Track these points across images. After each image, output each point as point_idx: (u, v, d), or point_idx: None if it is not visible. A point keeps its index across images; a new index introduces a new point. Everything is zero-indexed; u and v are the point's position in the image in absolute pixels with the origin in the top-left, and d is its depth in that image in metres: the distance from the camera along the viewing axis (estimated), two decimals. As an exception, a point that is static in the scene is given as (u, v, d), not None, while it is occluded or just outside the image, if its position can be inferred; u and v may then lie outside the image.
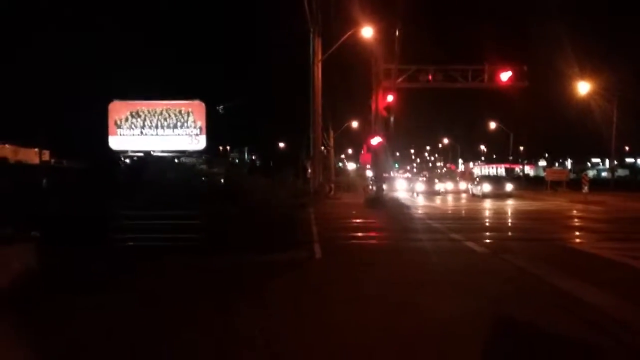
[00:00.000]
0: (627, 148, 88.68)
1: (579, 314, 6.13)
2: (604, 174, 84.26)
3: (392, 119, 26.47)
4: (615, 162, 51.87)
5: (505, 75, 27.52)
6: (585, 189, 29.81)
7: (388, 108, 25.70)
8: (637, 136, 63.04)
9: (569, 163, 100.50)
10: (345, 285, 7.68)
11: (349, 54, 28.92)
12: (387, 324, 5.75)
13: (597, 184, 40.02)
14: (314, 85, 28.09)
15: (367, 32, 26.06)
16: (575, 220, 19.12)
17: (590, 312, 6.14)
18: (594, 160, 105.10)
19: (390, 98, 25.48)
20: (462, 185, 42.88)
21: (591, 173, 60.57)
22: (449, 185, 42.68)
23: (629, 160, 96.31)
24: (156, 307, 6.63)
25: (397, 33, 24.41)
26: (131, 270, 8.79)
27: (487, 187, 34.91)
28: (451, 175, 56.90)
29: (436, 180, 44.92)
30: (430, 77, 27.15)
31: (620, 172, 68.44)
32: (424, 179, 46.32)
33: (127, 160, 29.88)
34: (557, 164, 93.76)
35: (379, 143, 26.12)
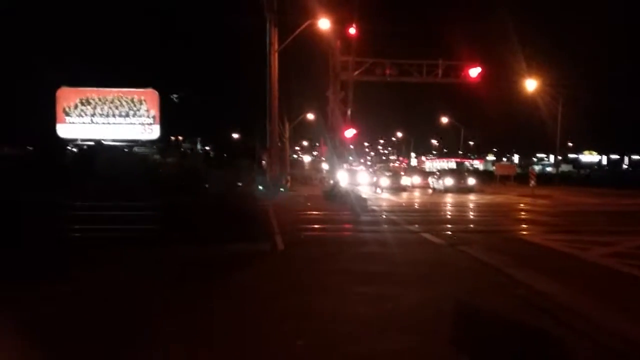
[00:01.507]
0: (570, 144, 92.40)
1: (532, 301, 6.38)
2: (548, 168, 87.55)
3: (349, 111, 26.61)
4: (560, 158, 53.94)
5: (458, 71, 28.13)
6: (533, 183, 30.92)
7: (345, 100, 25.83)
8: (580, 133, 65.90)
9: (516, 158, 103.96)
10: (310, 276, 7.70)
11: (306, 45, 28.82)
12: (356, 313, 5.82)
13: (543, 178, 41.53)
14: (271, 76, 27.85)
15: (324, 23, 26.04)
16: (525, 213, 19.81)
17: (543, 300, 6.41)
18: (540, 155, 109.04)
19: (347, 91, 25.62)
20: (405, 180, 40.20)
21: (537, 168, 62.79)
22: (405, 180, 40.24)
23: (572, 155, 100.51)
24: (109, 299, 6.44)
25: (353, 25, 24.52)
26: (81, 261, 8.51)
27: (449, 181, 34.28)
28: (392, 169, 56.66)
29: (402, 174, 42.45)
30: (387, 71, 27.43)
31: (564, 168, 71.26)
32: (390, 173, 42.64)
33: (75, 149, 28.89)
34: (504, 159, 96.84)
35: (336, 135, 26.22)
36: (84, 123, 28.76)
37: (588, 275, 8.12)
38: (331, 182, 29.32)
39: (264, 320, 5.60)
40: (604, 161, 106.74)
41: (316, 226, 14.83)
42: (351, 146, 31.64)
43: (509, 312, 5.93)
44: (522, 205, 23.33)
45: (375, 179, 38.77)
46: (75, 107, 28.67)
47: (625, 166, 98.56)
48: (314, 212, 18.59)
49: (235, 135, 66.51)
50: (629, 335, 5.17)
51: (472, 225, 16.07)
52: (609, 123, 69.88)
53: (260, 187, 25.20)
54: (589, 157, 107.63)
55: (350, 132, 26.01)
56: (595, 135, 78.72)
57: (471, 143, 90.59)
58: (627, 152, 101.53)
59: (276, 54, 27.20)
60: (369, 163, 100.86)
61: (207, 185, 20.34)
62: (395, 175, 39.54)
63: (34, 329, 5.19)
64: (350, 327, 5.29)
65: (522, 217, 18.60)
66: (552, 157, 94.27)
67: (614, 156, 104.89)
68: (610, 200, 25.42)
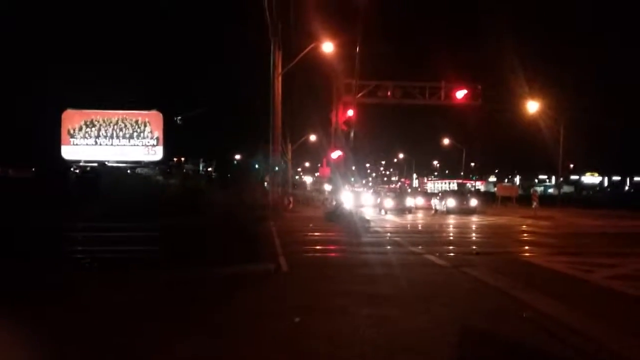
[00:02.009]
0: (571, 165, 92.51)
1: (539, 324, 6.37)
2: (550, 190, 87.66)
3: (352, 133, 26.81)
4: (561, 179, 54.00)
5: (460, 93, 28.41)
6: (535, 204, 30.96)
7: (348, 122, 26.06)
8: (582, 154, 66.00)
9: (517, 179, 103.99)
10: (315, 298, 7.71)
11: (309, 67, 29.19)
12: (362, 335, 5.82)
13: (545, 200, 41.52)
14: (274, 98, 28.13)
15: (328, 47, 26.40)
16: (528, 235, 19.79)
17: (549, 322, 6.40)
18: (541, 176, 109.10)
19: (350, 112, 25.86)
20: (410, 201, 38.56)
21: (539, 189, 62.78)
22: (410, 202, 38.46)
23: (574, 177, 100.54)
24: (112, 320, 6.45)
25: (357, 49, 24.85)
26: (84, 282, 8.52)
27: (451, 203, 33.83)
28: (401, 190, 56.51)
29: (407, 196, 40.83)
30: (389, 93, 27.71)
31: (566, 189, 71.30)
32: (394, 193, 41.30)
33: (77, 171, 29.03)
34: (506, 180, 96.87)
35: (340, 157, 26.37)
36: (88, 145, 28.92)
37: (593, 297, 8.11)
38: (334, 203, 29.36)
39: (270, 342, 5.61)
40: (606, 183, 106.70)
41: (319, 247, 14.84)
42: (353, 167, 31.77)
43: (515, 335, 5.93)
44: (524, 226, 23.32)
45: (379, 200, 37.96)
46: (80, 129, 28.86)
47: (627, 188, 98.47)
48: (317, 234, 18.59)
49: (237, 156, 66.74)
50: (628, 356, 5.18)
51: (474, 247, 16.06)
52: (610, 145, 70.10)
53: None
54: (590, 178, 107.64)
55: (336, 154, 26.20)
56: (597, 156, 78.86)
57: (472, 164, 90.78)
58: (629, 174, 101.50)
59: (280, 77, 27.52)
60: (370, 184, 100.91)
61: (210, 206, 20.39)
62: (400, 196, 38.36)
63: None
64: (357, 350, 5.30)
65: (525, 238, 18.58)
66: (553, 179, 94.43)
67: (616, 178, 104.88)
68: (613, 222, 25.40)
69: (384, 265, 11.00)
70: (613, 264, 10.89)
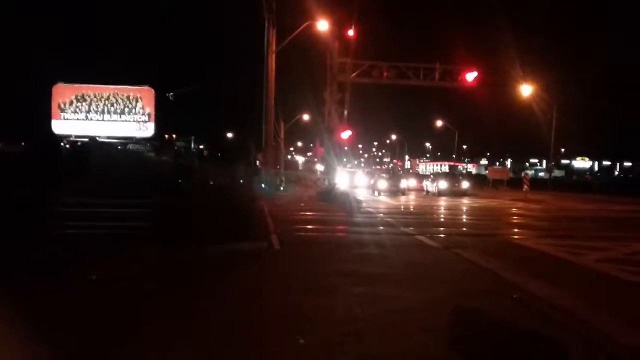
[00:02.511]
0: (562, 150, 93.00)
1: (528, 304, 6.44)
2: (541, 174, 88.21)
3: (345, 112, 26.69)
4: (553, 163, 54.29)
5: (455, 75, 28.25)
6: (526, 188, 31.16)
7: (342, 102, 25.92)
8: (573, 138, 66.32)
9: (508, 162, 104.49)
10: (307, 277, 7.73)
11: (303, 46, 28.91)
12: (354, 313, 5.84)
13: (535, 183, 41.76)
14: (268, 76, 27.91)
15: (323, 25, 26.14)
16: (518, 217, 19.93)
17: (539, 303, 6.47)
18: (532, 160, 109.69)
19: (344, 93, 25.71)
20: (404, 183, 37.61)
21: (530, 173, 63.17)
22: (404, 183, 37.51)
23: (565, 161, 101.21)
24: (110, 296, 6.44)
25: (352, 27, 24.61)
26: (79, 258, 8.46)
27: (443, 185, 33.94)
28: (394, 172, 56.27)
29: (401, 178, 39.70)
30: (384, 73, 27.52)
31: (557, 173, 71.74)
32: (387, 175, 40.67)
33: (68, 146, 28.76)
34: (497, 163, 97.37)
35: (350, 137, 26.29)
36: (78, 119, 28.66)
37: (582, 279, 8.20)
38: (326, 183, 29.37)
39: (262, 321, 5.61)
40: (596, 167, 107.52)
41: (311, 227, 14.86)
42: (346, 148, 31.71)
43: (506, 315, 5.98)
44: (515, 209, 23.48)
45: (372, 181, 37.32)
46: (71, 103, 28.57)
47: (616, 173, 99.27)
48: (309, 213, 18.62)
49: (229, 135, 66.42)
50: (621, 339, 5.24)
51: (466, 229, 16.16)
52: (601, 129, 70.47)
53: (263, 185, 25.14)
54: (581, 162, 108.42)
55: (346, 134, 26.09)
56: (588, 141, 79.28)
57: (465, 147, 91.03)
58: (619, 159, 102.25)
59: (274, 55, 27.25)
60: (362, 165, 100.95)
61: (202, 184, 20.32)
62: (393, 177, 37.57)
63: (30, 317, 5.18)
64: (349, 328, 5.31)
65: (516, 221, 18.71)
66: (544, 163, 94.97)
67: (606, 162, 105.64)
68: (603, 207, 25.63)
69: (376, 245, 11.03)
70: (603, 247, 10.98)
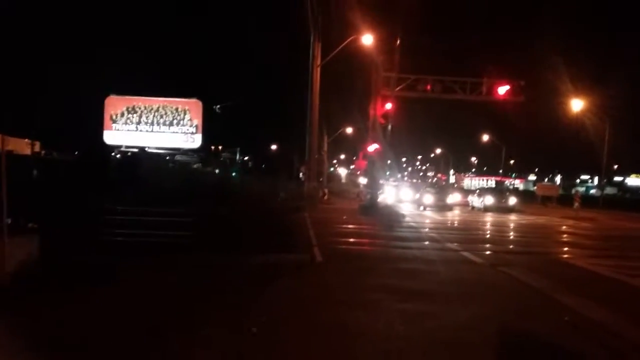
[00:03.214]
0: (615, 167, 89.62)
1: (581, 327, 6.17)
2: (592, 191, 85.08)
3: (389, 126, 26.56)
4: (605, 180, 52.36)
5: (502, 89, 27.68)
6: (577, 205, 30.10)
7: (386, 116, 25.82)
8: (627, 155, 63.82)
9: (558, 178, 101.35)
10: (350, 291, 7.68)
11: (348, 60, 29.00)
12: (397, 330, 5.74)
13: (586, 201, 40.27)
14: (312, 90, 28.12)
15: (368, 39, 26.17)
16: (568, 235, 19.24)
17: (592, 326, 6.19)
18: (583, 177, 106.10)
19: (388, 106, 25.61)
20: (452, 198, 36.92)
21: (580, 190, 61.10)
22: (451, 198, 36.61)
23: (618, 178, 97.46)
24: (156, 301, 6.57)
25: (397, 41, 24.56)
26: (126, 264, 8.67)
27: (489, 200, 32.86)
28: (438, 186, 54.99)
29: (449, 192, 38.40)
30: (428, 87, 27.23)
31: (609, 190, 69.11)
32: (434, 189, 38.22)
33: (118, 156, 29.76)
34: (546, 179, 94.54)
35: (376, 150, 26.18)
36: (129, 130, 29.63)
37: (638, 303, 7.81)
38: (369, 196, 29.19)
39: (304, 335, 5.58)
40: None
41: (354, 240, 14.77)
42: (389, 161, 31.50)
43: (556, 338, 5.74)
44: (564, 227, 22.69)
45: (417, 195, 35.92)
46: (122, 114, 29.58)
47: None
48: (351, 226, 18.53)
49: (273, 147, 67.11)
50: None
51: (513, 246, 15.72)
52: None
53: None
54: (635, 180, 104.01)
55: (372, 147, 25.96)
56: (643, 158, 76.07)
57: (512, 162, 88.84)
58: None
59: (318, 69, 27.45)
60: (406, 179, 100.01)
61: (246, 195, 20.56)
62: (440, 192, 35.96)
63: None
64: (391, 345, 5.23)
65: (566, 239, 18.06)
66: (596, 179, 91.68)
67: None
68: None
69: (420, 260, 10.87)
70: (659, 269, 10.47)
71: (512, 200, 33.79)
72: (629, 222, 27.18)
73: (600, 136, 40.46)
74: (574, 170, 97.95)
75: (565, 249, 15.23)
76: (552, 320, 6.47)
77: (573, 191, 44.74)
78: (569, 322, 6.38)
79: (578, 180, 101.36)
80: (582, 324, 6.31)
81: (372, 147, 26.29)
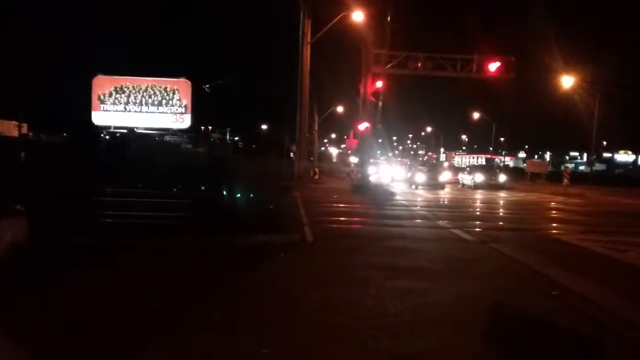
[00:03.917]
0: (604, 143, 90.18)
1: (570, 302, 6.23)
2: (581, 167, 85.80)
3: (380, 105, 26.44)
4: (594, 156, 52.70)
5: (493, 66, 27.60)
6: (566, 181, 30.31)
7: (377, 93, 25.70)
8: (616, 131, 64.20)
9: (547, 156, 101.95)
10: (340, 269, 7.69)
11: (338, 37, 28.73)
12: (386, 307, 5.77)
13: (575, 177, 40.57)
14: (302, 68, 27.91)
15: (358, 16, 25.91)
16: (557, 212, 19.41)
17: (581, 301, 6.25)
18: (572, 153, 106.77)
19: (379, 84, 25.46)
20: (444, 177, 36.71)
21: (570, 166, 61.51)
22: (444, 177, 36.35)
23: (606, 154, 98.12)
24: (150, 284, 6.56)
25: (388, 18, 24.32)
26: (121, 246, 8.64)
27: (479, 178, 33.14)
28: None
29: (441, 171, 38.07)
30: (419, 64, 27.06)
31: (598, 167, 69.64)
32: (425, 168, 37.30)
33: (107, 137, 29.43)
34: (536, 157, 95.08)
35: (367, 128, 26.11)
36: (117, 111, 29.25)
37: (627, 277, 7.90)
38: (359, 175, 29.21)
39: (293, 313, 5.60)
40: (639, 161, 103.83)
41: (345, 219, 14.80)
42: (380, 140, 31.46)
43: (546, 313, 5.78)
44: (554, 203, 22.87)
45: (409, 174, 35.53)
46: (110, 95, 29.18)
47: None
48: (342, 205, 18.56)
49: (264, 127, 66.80)
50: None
51: (503, 223, 15.84)
52: (646, 122, 67.95)
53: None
54: (623, 156, 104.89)
55: (363, 126, 25.89)
56: (631, 134, 76.64)
57: (502, 139, 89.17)
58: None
59: (309, 46, 27.21)
60: (397, 157, 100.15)
61: (237, 176, 20.48)
62: (432, 171, 35.24)
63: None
64: (382, 322, 5.25)
65: (555, 215, 18.22)
66: (585, 156, 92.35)
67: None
68: (647, 202, 24.73)
69: (410, 238, 10.91)
70: (647, 244, 10.59)
71: (502, 178, 34.03)
72: (618, 197, 27.45)
73: (590, 113, 40.63)
74: (564, 147, 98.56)
75: (555, 225, 15.36)
76: (541, 295, 6.54)
77: (562, 168, 45.12)
78: (558, 297, 6.45)
79: (567, 157, 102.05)
80: (570, 299, 6.38)
81: (363, 126, 26.22)
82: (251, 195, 13.86)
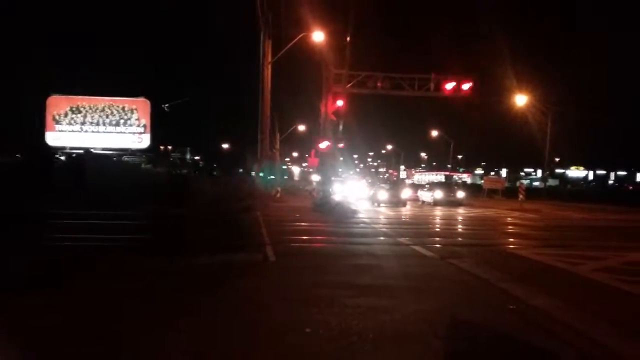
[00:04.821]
0: (557, 159, 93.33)
1: (527, 316, 6.38)
2: (536, 183, 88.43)
3: (341, 123, 26.72)
4: (547, 172, 54.46)
5: (449, 85, 28.38)
6: (521, 197, 31.22)
7: (338, 112, 25.97)
8: (568, 148, 66.62)
9: (504, 172, 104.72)
10: (303, 288, 7.66)
11: (299, 57, 29.02)
12: (350, 325, 5.77)
13: (530, 192, 41.80)
14: (263, 87, 27.99)
15: (318, 36, 26.24)
16: (514, 227, 19.92)
17: (537, 315, 6.41)
18: (527, 169, 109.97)
19: (340, 103, 25.76)
20: (406, 194, 35.91)
21: (525, 182, 63.33)
22: (405, 194, 35.55)
23: (559, 170, 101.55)
24: (103, 307, 6.37)
25: (348, 39, 24.70)
26: (72, 269, 8.38)
27: (438, 194, 33.63)
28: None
29: (403, 188, 37.40)
30: (379, 84, 27.59)
31: (551, 182, 71.96)
32: (387, 185, 37.39)
33: (62, 158, 28.68)
34: (492, 173, 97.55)
35: (328, 147, 26.30)
36: (73, 131, 28.60)
37: (581, 290, 8.15)
38: (321, 193, 29.30)
39: (258, 333, 5.55)
40: (591, 176, 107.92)
41: (307, 237, 14.79)
42: (342, 158, 31.68)
43: (504, 327, 5.92)
44: (510, 219, 23.47)
45: (372, 192, 35.44)
46: (66, 115, 28.51)
47: (611, 182, 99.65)
48: (304, 224, 18.55)
49: (225, 146, 66.42)
50: (619, 350, 5.21)
51: (462, 239, 16.13)
52: (595, 139, 70.86)
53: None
54: (575, 172, 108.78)
55: (324, 144, 26.14)
56: (582, 150, 79.76)
57: (460, 157, 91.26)
58: (613, 168, 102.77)
59: (269, 66, 27.33)
60: (357, 175, 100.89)
61: (198, 195, 20.29)
62: (394, 188, 35.26)
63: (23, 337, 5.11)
64: (345, 341, 5.26)
65: (512, 230, 18.69)
66: (539, 172, 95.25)
67: (600, 172, 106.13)
68: (598, 216, 25.67)
69: (372, 255, 10.98)
70: (599, 256, 10.98)
71: (461, 194, 34.72)
72: (571, 212, 28.39)
73: (543, 130, 42.10)
74: (519, 163, 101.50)
75: (512, 240, 15.75)
76: (499, 310, 6.68)
77: (517, 184, 46.38)
78: (514, 310, 6.60)
79: (522, 173, 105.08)
80: (527, 312, 6.54)
81: (324, 144, 26.41)
82: (212, 215, 13.75)
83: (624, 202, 35.24)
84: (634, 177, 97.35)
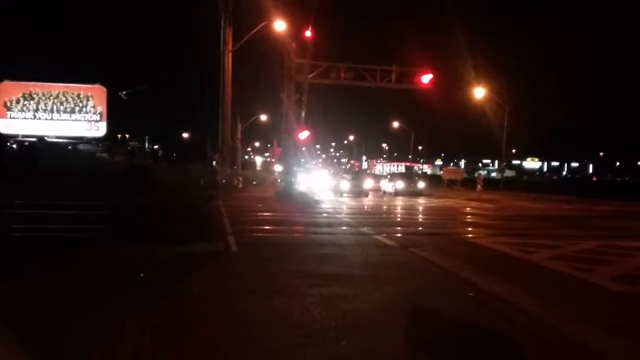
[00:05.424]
0: (514, 151, 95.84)
1: (484, 301, 6.53)
2: (493, 174, 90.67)
3: (303, 113, 26.64)
4: (504, 164, 55.84)
5: (411, 77, 28.64)
6: (479, 188, 31.96)
7: (300, 102, 25.87)
8: (523, 139, 68.49)
9: (462, 163, 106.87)
10: (265, 278, 7.62)
11: (261, 46, 28.70)
12: (312, 314, 5.77)
13: (488, 183, 42.81)
14: (224, 76, 27.59)
15: (280, 25, 26.00)
16: (473, 216, 20.36)
17: (494, 300, 6.56)
18: (485, 160, 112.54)
19: (302, 93, 25.66)
20: (368, 184, 36.42)
21: (482, 173, 64.75)
22: (367, 184, 36.10)
23: (516, 162, 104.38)
24: (52, 301, 6.16)
25: (309, 28, 24.59)
26: (26, 261, 8.10)
27: (399, 185, 34.15)
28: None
29: (365, 178, 37.52)
30: (341, 74, 27.63)
31: (508, 173, 73.82)
32: (349, 175, 37.19)
33: (15, 146, 27.64)
34: (452, 164, 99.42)
35: (308, 137, 26.25)
36: (26, 118, 27.56)
37: (536, 277, 8.37)
38: (282, 183, 29.22)
39: (219, 325, 5.48)
40: (545, 168, 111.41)
41: (269, 227, 14.72)
42: (304, 148, 31.64)
43: (463, 313, 6.05)
44: (469, 208, 23.97)
45: (334, 182, 35.41)
46: (18, 101, 27.45)
47: (564, 173, 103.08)
48: (267, 213, 18.46)
49: (185, 135, 65.40)
50: (569, 333, 5.39)
51: (422, 228, 16.37)
52: (550, 131, 73.07)
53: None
54: (531, 163, 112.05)
55: (304, 134, 26.08)
56: (538, 142, 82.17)
57: (420, 148, 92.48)
58: (567, 160, 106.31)
59: (230, 54, 26.95)
60: (320, 165, 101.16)
61: (157, 185, 19.90)
62: (356, 178, 35.38)
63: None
64: (307, 330, 5.25)
65: (470, 220, 19.09)
66: (496, 163, 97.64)
67: (555, 163, 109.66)
68: (553, 206, 26.51)
69: (334, 245, 11.01)
70: (554, 245, 11.30)
71: (421, 185, 35.28)
72: (527, 202, 29.22)
73: (500, 123, 43.07)
74: (477, 154, 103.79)
75: (470, 229, 16.07)
76: (458, 297, 6.80)
77: (476, 174, 47.44)
78: (473, 297, 6.74)
79: (480, 164, 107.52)
80: (485, 299, 6.68)
81: (304, 135, 26.32)
82: (172, 205, 13.53)
83: (577, 192, 36.48)
84: (563, 168, 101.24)
